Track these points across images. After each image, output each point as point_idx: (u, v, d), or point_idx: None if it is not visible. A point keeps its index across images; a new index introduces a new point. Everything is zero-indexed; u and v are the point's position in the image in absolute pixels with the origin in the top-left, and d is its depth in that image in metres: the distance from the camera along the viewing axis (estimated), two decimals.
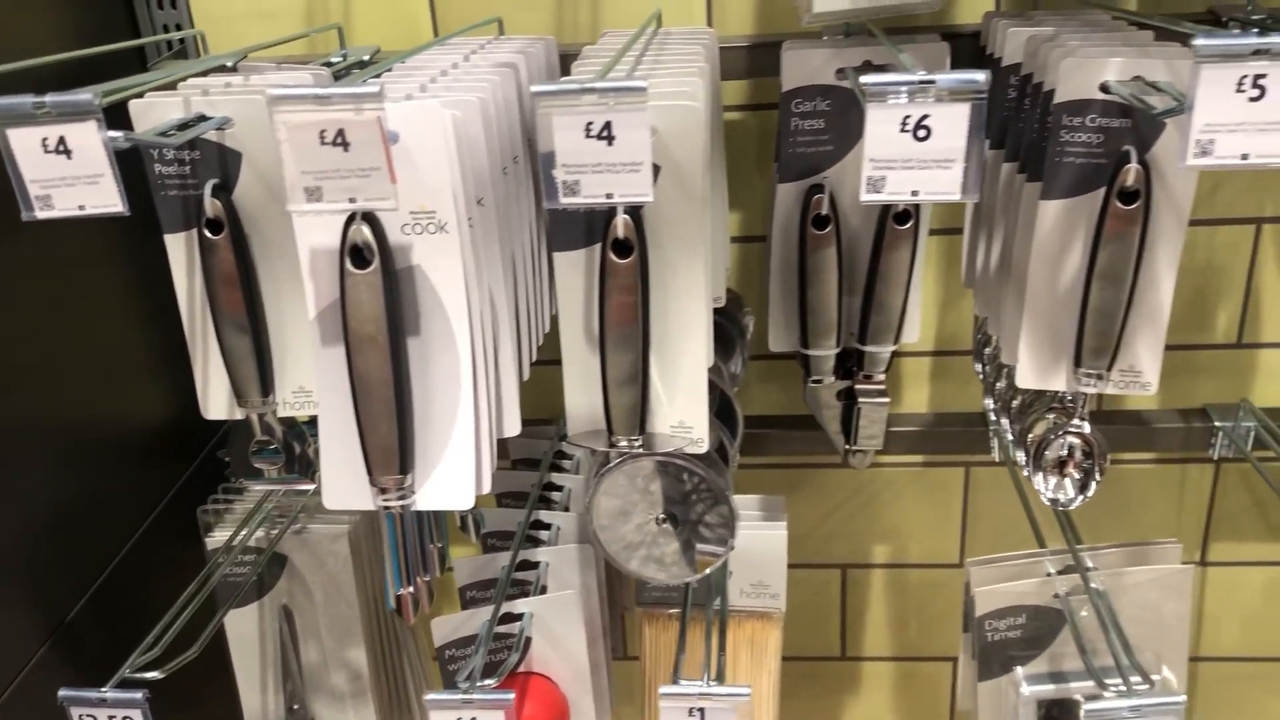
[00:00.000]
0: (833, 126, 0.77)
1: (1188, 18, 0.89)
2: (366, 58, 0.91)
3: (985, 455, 1.05)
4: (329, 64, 0.89)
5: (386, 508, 0.61)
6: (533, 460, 1.02)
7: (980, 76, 0.50)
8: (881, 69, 0.73)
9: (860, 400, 0.83)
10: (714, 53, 0.83)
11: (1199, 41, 0.49)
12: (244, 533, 0.92)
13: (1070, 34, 0.73)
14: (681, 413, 0.67)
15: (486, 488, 0.63)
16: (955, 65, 0.90)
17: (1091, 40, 0.71)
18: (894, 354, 1.07)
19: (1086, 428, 0.74)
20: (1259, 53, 0.49)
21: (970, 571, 0.81)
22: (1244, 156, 0.51)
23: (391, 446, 0.60)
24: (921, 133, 0.51)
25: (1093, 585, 0.78)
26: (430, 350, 0.61)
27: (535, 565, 0.85)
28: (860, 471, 1.15)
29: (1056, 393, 0.75)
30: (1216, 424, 1.02)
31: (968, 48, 0.87)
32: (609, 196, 0.54)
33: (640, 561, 0.71)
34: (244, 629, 0.96)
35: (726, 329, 0.91)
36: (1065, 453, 0.76)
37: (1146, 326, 0.71)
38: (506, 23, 0.97)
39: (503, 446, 1.04)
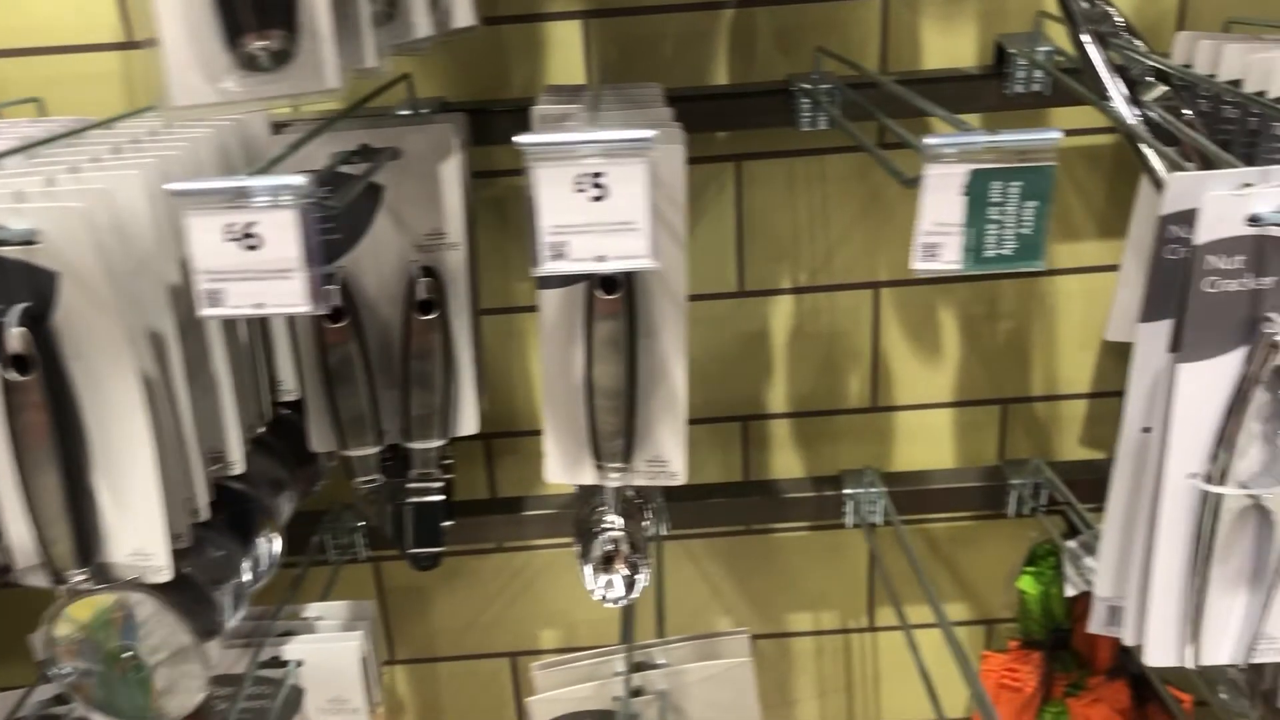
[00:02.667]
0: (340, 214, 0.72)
1: (764, 89, 0.89)
2: None
3: None
4: None
5: None
6: None
7: (301, 182, 0.46)
8: (378, 153, 0.69)
9: (409, 500, 0.77)
10: (246, 134, 0.77)
11: (519, 139, 0.45)
12: None
13: (581, 115, 0.70)
14: (137, 539, 0.61)
15: None
16: None
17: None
18: (522, 434, 1.05)
19: (620, 523, 0.71)
20: (590, 143, 0.46)
21: (535, 676, 0.76)
22: (599, 259, 0.47)
23: None
24: (252, 241, 0.46)
25: (656, 687, 0.75)
26: None
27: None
28: (516, 555, 1.10)
29: None
30: (845, 492, 1.01)
31: None
32: None
33: (111, 704, 0.64)
34: None
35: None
36: (611, 548, 0.72)
37: (665, 416, 0.68)
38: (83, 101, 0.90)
39: None
